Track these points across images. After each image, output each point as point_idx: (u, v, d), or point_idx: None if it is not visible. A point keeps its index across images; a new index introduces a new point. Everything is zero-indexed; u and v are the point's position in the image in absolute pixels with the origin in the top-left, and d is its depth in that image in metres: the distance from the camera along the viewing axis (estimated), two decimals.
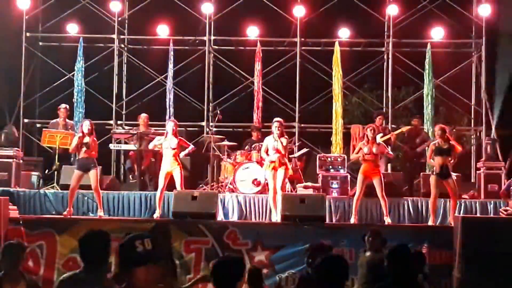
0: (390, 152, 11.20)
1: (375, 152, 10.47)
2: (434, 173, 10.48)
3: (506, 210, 10.42)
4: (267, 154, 10.51)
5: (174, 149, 10.59)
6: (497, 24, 14.69)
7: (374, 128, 10.87)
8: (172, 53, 14.84)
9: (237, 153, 12.14)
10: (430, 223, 10.45)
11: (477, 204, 11.27)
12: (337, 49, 14.56)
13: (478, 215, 10.94)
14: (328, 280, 4.14)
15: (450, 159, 10.48)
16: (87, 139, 10.40)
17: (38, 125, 15.09)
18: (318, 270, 4.25)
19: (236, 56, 15.60)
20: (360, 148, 10.59)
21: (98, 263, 4.17)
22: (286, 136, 10.76)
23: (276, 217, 10.35)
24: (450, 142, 10.52)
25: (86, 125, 10.53)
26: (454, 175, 10.78)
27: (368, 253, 7.48)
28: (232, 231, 9.61)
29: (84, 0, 15.22)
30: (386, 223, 10.46)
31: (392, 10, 14.83)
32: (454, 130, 10.82)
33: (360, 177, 10.56)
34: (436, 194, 10.44)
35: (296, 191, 11.64)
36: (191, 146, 11.07)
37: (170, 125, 10.81)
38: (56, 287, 4.25)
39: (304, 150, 13.01)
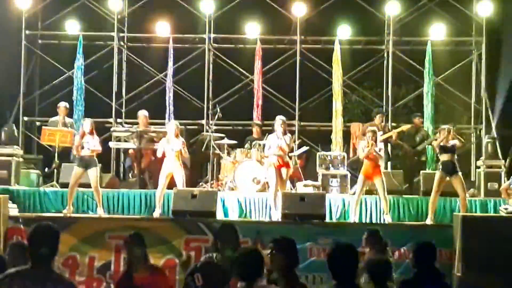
0: (381, 154, 11.05)
1: (376, 153, 10.48)
2: (440, 169, 10.46)
3: (506, 208, 10.43)
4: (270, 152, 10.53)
5: (176, 151, 10.60)
6: (500, 22, 14.66)
7: (375, 130, 10.87)
8: (172, 51, 14.83)
9: (237, 151, 12.14)
10: (428, 221, 10.44)
11: (477, 203, 11.27)
12: (337, 47, 14.56)
13: (478, 213, 10.93)
14: (340, 268, 4.13)
15: (455, 156, 10.48)
16: (89, 138, 10.41)
17: (37, 123, 15.07)
18: (329, 258, 4.23)
19: (236, 54, 15.59)
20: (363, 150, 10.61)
21: (45, 259, 4.07)
22: (289, 134, 10.78)
23: (276, 215, 10.35)
24: (453, 139, 10.52)
25: (87, 124, 10.55)
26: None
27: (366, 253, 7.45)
28: None
29: None
30: (386, 221, 10.47)
31: (392, 8, 14.80)
32: (454, 127, 10.79)
33: (361, 177, 10.58)
34: (438, 191, 10.41)
35: (296, 190, 11.65)
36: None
37: (171, 127, 10.78)
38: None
39: (304, 148, 13.01)
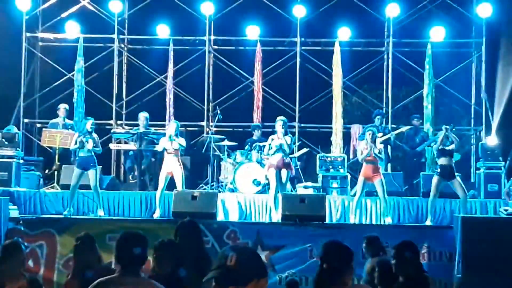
0: (381, 156, 11.08)
1: (375, 155, 10.50)
2: (437, 174, 10.47)
3: (506, 210, 10.43)
4: (271, 153, 10.54)
5: (176, 150, 10.62)
6: (499, 23, 14.68)
7: (374, 131, 10.88)
8: (172, 53, 14.84)
9: (237, 152, 12.15)
10: (427, 223, 10.45)
11: (477, 204, 11.28)
12: (337, 49, 14.57)
13: (478, 215, 10.94)
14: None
15: (453, 160, 10.48)
16: (88, 138, 10.44)
17: (38, 125, 15.10)
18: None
19: (236, 56, 15.60)
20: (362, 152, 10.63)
21: (134, 266, 4.04)
22: (290, 135, 10.80)
23: (277, 217, 10.36)
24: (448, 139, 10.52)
25: (89, 123, 10.60)
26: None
27: (368, 260, 7.40)
28: (232, 231, 9.60)
29: (84, 0, 15.24)
30: (386, 223, 10.48)
31: (392, 10, 14.82)
32: (454, 129, 10.80)
33: (360, 178, 10.60)
34: (436, 194, 10.44)
35: (296, 191, 11.65)
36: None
37: (172, 127, 10.82)
38: None
39: (304, 150, 13.02)
